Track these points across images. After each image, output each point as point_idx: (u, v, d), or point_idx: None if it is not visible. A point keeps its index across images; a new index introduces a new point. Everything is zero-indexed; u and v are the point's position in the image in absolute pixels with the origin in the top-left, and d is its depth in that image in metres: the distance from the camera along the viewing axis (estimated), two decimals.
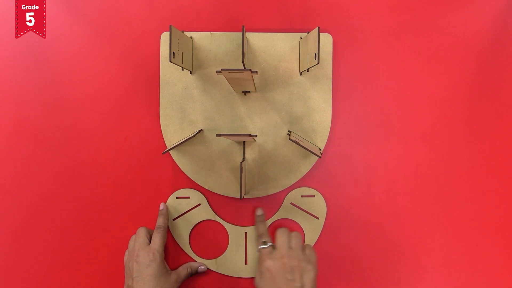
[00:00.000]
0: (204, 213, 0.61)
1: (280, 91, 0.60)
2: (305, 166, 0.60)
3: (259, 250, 0.57)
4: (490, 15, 0.62)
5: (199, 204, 0.61)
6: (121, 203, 0.62)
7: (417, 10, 0.62)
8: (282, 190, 0.61)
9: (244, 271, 0.60)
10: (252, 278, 0.60)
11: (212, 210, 0.61)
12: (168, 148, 0.56)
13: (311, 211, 0.61)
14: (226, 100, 0.60)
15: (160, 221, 0.59)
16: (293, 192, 0.61)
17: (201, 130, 0.60)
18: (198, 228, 0.61)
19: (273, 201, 0.61)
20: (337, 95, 0.61)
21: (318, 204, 0.61)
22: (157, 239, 0.56)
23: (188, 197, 0.61)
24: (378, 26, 0.62)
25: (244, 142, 0.60)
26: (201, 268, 0.60)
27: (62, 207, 0.62)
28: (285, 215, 0.61)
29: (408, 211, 0.62)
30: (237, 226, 0.61)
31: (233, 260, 0.60)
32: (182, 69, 0.59)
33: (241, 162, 0.54)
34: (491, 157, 0.62)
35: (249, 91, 0.60)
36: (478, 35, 0.62)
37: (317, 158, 0.60)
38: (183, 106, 0.60)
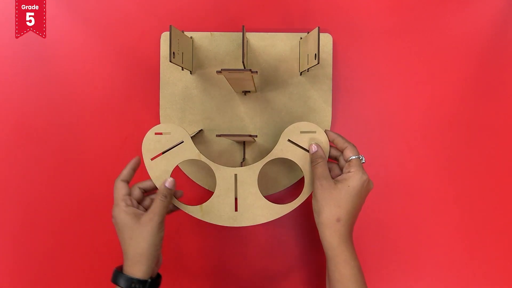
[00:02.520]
0: (188, 151, 0.53)
1: (280, 91, 0.60)
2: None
3: (357, 161, 0.51)
4: (490, 15, 0.62)
5: (182, 142, 0.53)
6: None
7: (417, 10, 0.62)
8: (282, 190, 0.61)
9: (233, 219, 0.54)
10: (244, 227, 0.56)
11: (197, 148, 0.54)
12: (168, 148, 0.56)
13: None
14: (226, 100, 0.60)
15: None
16: (290, 127, 0.53)
17: (201, 130, 0.59)
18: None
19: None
20: (337, 95, 0.61)
21: (320, 142, 0.53)
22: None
23: (169, 133, 0.53)
24: (378, 26, 0.62)
25: (244, 142, 0.60)
26: (169, 182, 0.51)
27: (61, 207, 0.62)
28: (281, 154, 0.53)
29: (408, 211, 0.62)
30: (225, 167, 0.54)
31: (221, 207, 0.53)
32: (182, 69, 0.59)
33: (241, 162, 0.54)
34: (491, 157, 0.62)
35: (249, 91, 0.60)
36: (478, 35, 0.62)
37: None
38: (183, 106, 0.60)
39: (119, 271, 0.48)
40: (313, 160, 0.51)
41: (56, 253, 0.62)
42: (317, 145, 0.52)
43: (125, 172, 0.53)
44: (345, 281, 0.48)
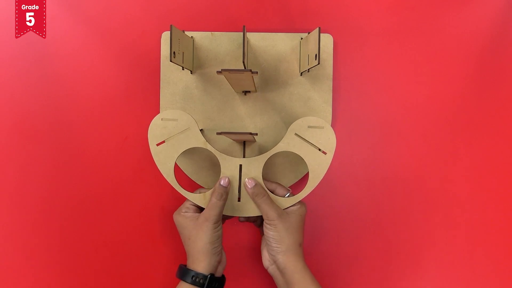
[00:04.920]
0: (193, 139, 0.54)
1: (281, 91, 0.60)
2: (305, 166, 0.60)
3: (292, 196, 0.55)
4: (490, 15, 0.62)
5: (188, 129, 0.54)
6: (121, 202, 0.62)
7: (417, 10, 0.62)
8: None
9: (236, 209, 0.55)
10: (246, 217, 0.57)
11: (203, 136, 0.54)
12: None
13: (318, 144, 0.54)
14: (226, 100, 0.60)
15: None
16: (298, 121, 0.54)
17: (201, 130, 0.59)
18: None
19: None
20: (337, 95, 0.61)
21: (327, 137, 0.54)
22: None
23: (176, 120, 0.54)
24: (379, 26, 0.62)
25: (244, 142, 0.60)
26: (224, 180, 0.53)
27: (61, 207, 0.62)
28: (287, 147, 0.54)
29: (408, 210, 0.62)
30: (231, 157, 0.54)
31: None
32: (183, 69, 0.59)
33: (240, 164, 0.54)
34: (491, 157, 0.62)
35: (249, 91, 0.60)
36: (478, 35, 0.62)
37: None
38: (184, 106, 0.60)
39: (184, 266, 0.51)
40: (257, 194, 0.53)
41: (56, 252, 0.62)
42: (253, 179, 0.54)
43: (209, 191, 0.54)
44: None
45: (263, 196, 0.53)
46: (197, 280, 0.49)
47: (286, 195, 0.54)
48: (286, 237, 0.52)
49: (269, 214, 0.52)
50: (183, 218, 0.52)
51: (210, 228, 0.50)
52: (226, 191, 0.53)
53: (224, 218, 0.57)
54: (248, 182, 0.53)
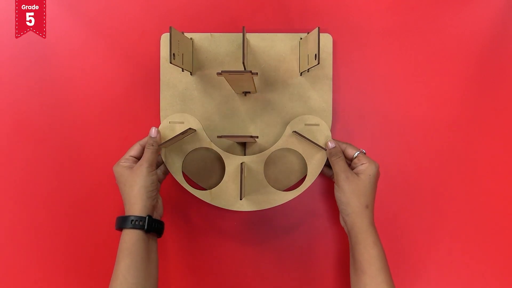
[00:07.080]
0: (200, 140, 0.58)
1: (280, 91, 0.60)
2: (305, 167, 0.60)
3: (363, 154, 0.56)
4: (490, 15, 0.62)
5: (194, 130, 0.57)
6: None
7: (417, 10, 0.62)
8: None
9: (240, 204, 0.57)
10: (248, 211, 0.58)
11: (208, 137, 0.58)
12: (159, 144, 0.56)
13: (315, 141, 0.56)
14: (226, 101, 0.60)
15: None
16: (296, 120, 0.58)
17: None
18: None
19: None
20: (337, 95, 0.61)
21: (323, 134, 0.57)
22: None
23: (182, 122, 0.58)
24: (378, 26, 0.62)
25: (245, 142, 0.60)
26: (153, 132, 0.56)
27: (61, 207, 0.62)
28: (286, 144, 0.57)
29: (408, 211, 0.62)
30: (234, 155, 0.58)
31: (229, 192, 0.57)
32: (182, 70, 0.59)
33: (241, 163, 0.54)
34: (491, 157, 0.62)
35: (249, 92, 0.60)
36: (478, 35, 0.62)
37: None
38: (184, 107, 0.60)
39: (120, 216, 0.53)
40: (334, 154, 0.55)
41: (55, 251, 0.62)
42: (334, 141, 0.56)
43: (146, 139, 0.56)
44: (373, 261, 0.52)
45: (338, 158, 0.55)
46: (137, 223, 0.51)
47: (356, 154, 0.55)
48: (352, 200, 0.53)
49: (339, 175, 0.54)
50: (121, 167, 0.54)
51: (144, 172, 0.52)
52: (155, 141, 0.55)
53: (164, 170, 0.58)
54: (329, 142, 0.56)
